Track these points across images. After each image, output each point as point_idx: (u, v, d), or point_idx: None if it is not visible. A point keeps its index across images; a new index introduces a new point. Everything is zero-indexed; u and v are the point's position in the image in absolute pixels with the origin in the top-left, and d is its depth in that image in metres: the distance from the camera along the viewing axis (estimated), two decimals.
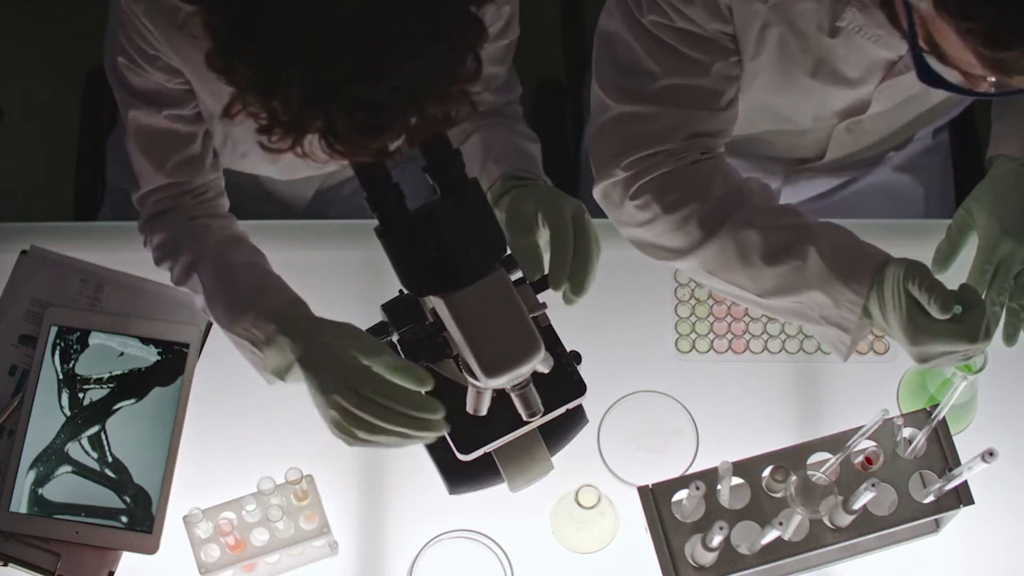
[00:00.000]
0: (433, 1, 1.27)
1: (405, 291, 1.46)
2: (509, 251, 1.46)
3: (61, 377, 1.76)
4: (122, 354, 1.77)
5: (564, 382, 1.55)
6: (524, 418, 1.48)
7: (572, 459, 1.67)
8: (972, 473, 1.49)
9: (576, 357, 1.57)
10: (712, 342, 1.82)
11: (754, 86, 1.72)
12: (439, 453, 1.61)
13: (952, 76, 1.43)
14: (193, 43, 1.54)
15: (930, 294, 1.51)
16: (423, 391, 1.46)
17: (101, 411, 1.75)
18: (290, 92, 1.26)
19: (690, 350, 1.82)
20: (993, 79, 1.39)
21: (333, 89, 1.26)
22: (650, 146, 1.68)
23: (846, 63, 1.66)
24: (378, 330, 1.55)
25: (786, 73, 1.69)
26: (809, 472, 1.54)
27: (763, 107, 1.78)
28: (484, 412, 1.49)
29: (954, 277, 1.68)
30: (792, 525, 1.51)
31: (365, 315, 1.62)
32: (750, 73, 1.69)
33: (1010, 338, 1.73)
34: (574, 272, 1.53)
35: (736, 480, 1.58)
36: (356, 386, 1.46)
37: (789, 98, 1.75)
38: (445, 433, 1.48)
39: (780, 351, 1.82)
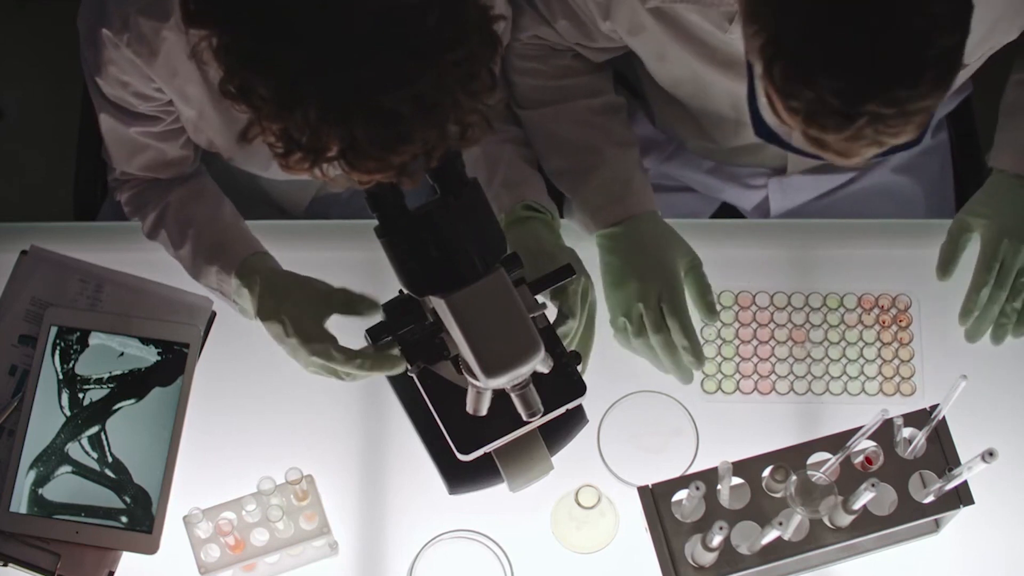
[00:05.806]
0: (451, 10, 1.26)
1: (405, 291, 1.46)
2: (509, 251, 1.46)
3: (61, 377, 1.76)
4: (122, 354, 1.77)
5: (564, 382, 1.55)
6: (524, 418, 1.48)
7: (572, 459, 1.67)
8: (972, 473, 1.49)
9: (576, 357, 1.57)
10: (738, 382, 1.78)
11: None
12: (439, 453, 1.61)
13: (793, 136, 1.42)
14: (180, 63, 1.55)
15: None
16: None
17: (101, 411, 1.75)
18: (309, 106, 1.26)
19: (716, 390, 1.79)
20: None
21: (354, 98, 1.25)
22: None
23: (729, 46, 1.67)
24: (378, 330, 1.55)
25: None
26: (809, 472, 1.54)
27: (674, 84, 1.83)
28: (484, 412, 1.49)
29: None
30: (792, 525, 1.51)
31: None
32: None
33: (998, 339, 1.79)
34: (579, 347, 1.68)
35: (736, 480, 1.58)
36: (304, 348, 1.62)
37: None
38: (394, 366, 1.58)
39: (806, 392, 1.78)
